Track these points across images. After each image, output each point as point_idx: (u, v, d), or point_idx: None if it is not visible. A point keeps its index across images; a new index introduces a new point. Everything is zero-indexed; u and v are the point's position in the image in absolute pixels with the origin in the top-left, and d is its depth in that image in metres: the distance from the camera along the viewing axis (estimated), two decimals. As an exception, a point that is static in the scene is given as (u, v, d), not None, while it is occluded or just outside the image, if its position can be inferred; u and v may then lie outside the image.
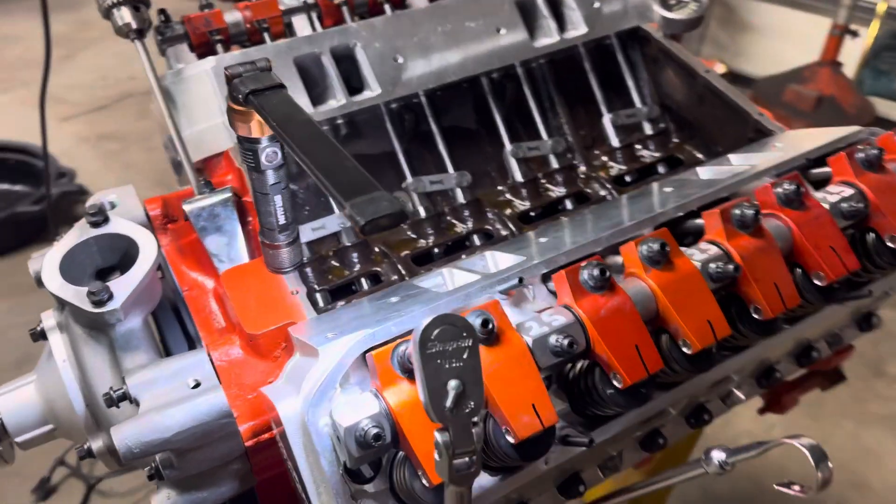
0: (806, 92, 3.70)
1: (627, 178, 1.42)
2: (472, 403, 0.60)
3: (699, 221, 0.95)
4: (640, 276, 0.84)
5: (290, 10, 1.29)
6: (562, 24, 1.45)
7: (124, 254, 1.00)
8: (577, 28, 1.44)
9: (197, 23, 1.21)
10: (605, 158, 1.44)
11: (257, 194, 0.91)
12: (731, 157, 1.15)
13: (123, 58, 5.05)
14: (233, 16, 1.26)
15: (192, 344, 1.04)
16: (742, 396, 1.06)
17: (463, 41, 1.35)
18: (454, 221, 1.31)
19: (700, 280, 0.84)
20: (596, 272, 0.80)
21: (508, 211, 1.33)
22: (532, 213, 1.34)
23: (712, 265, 0.85)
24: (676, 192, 1.02)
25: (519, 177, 1.37)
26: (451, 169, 1.34)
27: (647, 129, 1.48)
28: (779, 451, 0.82)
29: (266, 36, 1.27)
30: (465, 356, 0.61)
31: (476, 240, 1.29)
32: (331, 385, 0.77)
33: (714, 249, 0.87)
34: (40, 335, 0.99)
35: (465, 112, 1.42)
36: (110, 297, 0.89)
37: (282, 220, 0.93)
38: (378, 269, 1.21)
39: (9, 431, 0.99)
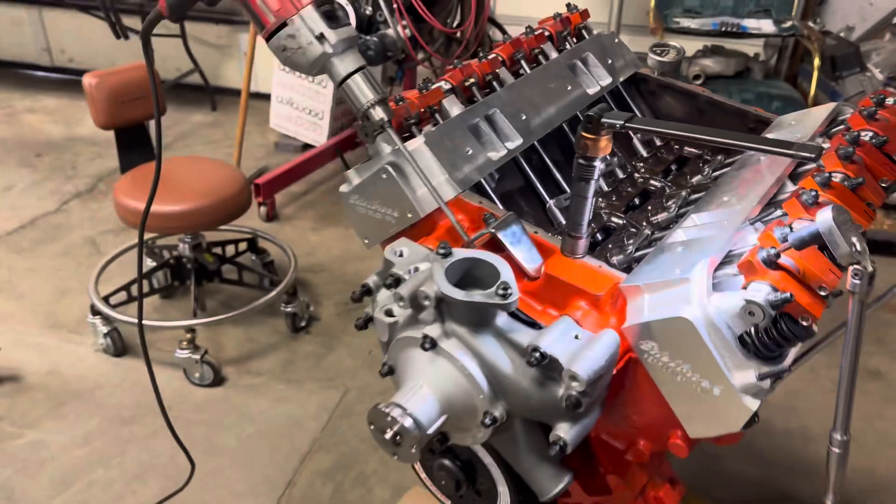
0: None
1: (659, 177, 1.98)
2: (864, 246, 1.09)
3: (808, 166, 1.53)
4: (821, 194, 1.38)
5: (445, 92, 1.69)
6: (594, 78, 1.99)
7: (463, 274, 1.33)
8: (604, 79, 1.99)
9: (400, 112, 1.57)
10: (641, 165, 1.99)
11: (578, 198, 1.32)
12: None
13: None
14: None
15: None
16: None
17: (552, 98, 1.84)
18: (584, 225, 1.77)
19: (849, 191, 1.40)
20: (813, 193, 1.33)
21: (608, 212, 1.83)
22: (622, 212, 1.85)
23: (846, 182, 1.42)
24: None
25: (604, 187, 1.87)
26: (568, 189, 1.80)
27: (657, 141, 2.06)
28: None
29: (437, 115, 1.66)
30: (851, 222, 1.10)
31: (598, 236, 1.76)
32: (709, 292, 1.21)
33: (841, 174, 1.44)
34: (431, 346, 1.29)
35: (554, 148, 1.89)
36: (513, 290, 1.24)
37: (588, 218, 1.35)
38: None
39: (422, 426, 1.27)
